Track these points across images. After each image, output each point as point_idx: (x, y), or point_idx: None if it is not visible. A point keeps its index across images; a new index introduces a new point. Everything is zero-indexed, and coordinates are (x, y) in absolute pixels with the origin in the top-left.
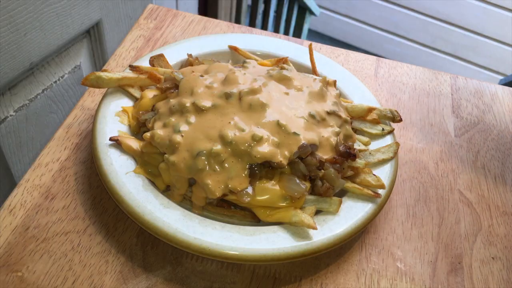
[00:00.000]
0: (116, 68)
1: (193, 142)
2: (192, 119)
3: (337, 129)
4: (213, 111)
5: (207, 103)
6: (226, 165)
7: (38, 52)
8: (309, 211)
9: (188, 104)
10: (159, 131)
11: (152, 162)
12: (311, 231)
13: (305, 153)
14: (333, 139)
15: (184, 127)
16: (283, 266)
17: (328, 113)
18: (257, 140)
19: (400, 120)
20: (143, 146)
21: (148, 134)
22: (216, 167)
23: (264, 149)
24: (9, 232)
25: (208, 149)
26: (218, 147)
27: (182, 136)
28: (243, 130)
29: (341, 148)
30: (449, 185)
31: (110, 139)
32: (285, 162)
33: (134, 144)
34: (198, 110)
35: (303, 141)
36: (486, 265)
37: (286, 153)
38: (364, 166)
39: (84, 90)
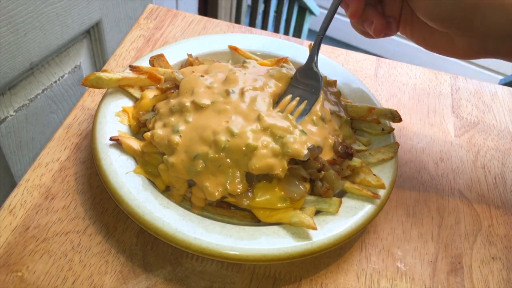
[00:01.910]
0: (116, 68)
1: (190, 144)
2: (191, 118)
3: (337, 129)
4: (212, 109)
5: (206, 101)
6: (224, 168)
7: (38, 52)
8: (309, 211)
9: (188, 104)
10: (159, 131)
11: (152, 162)
12: (311, 231)
13: (313, 155)
14: (332, 140)
15: (182, 127)
16: (283, 266)
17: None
18: (251, 150)
19: (400, 120)
20: (144, 146)
21: (148, 134)
22: (214, 170)
23: (261, 160)
24: (9, 232)
25: (205, 153)
26: (214, 151)
27: (180, 136)
28: (239, 133)
29: (340, 148)
30: (449, 185)
31: (110, 139)
32: (282, 174)
33: (134, 144)
34: (197, 108)
35: (310, 144)
36: (486, 265)
37: (285, 162)
38: (360, 164)
39: (84, 90)
